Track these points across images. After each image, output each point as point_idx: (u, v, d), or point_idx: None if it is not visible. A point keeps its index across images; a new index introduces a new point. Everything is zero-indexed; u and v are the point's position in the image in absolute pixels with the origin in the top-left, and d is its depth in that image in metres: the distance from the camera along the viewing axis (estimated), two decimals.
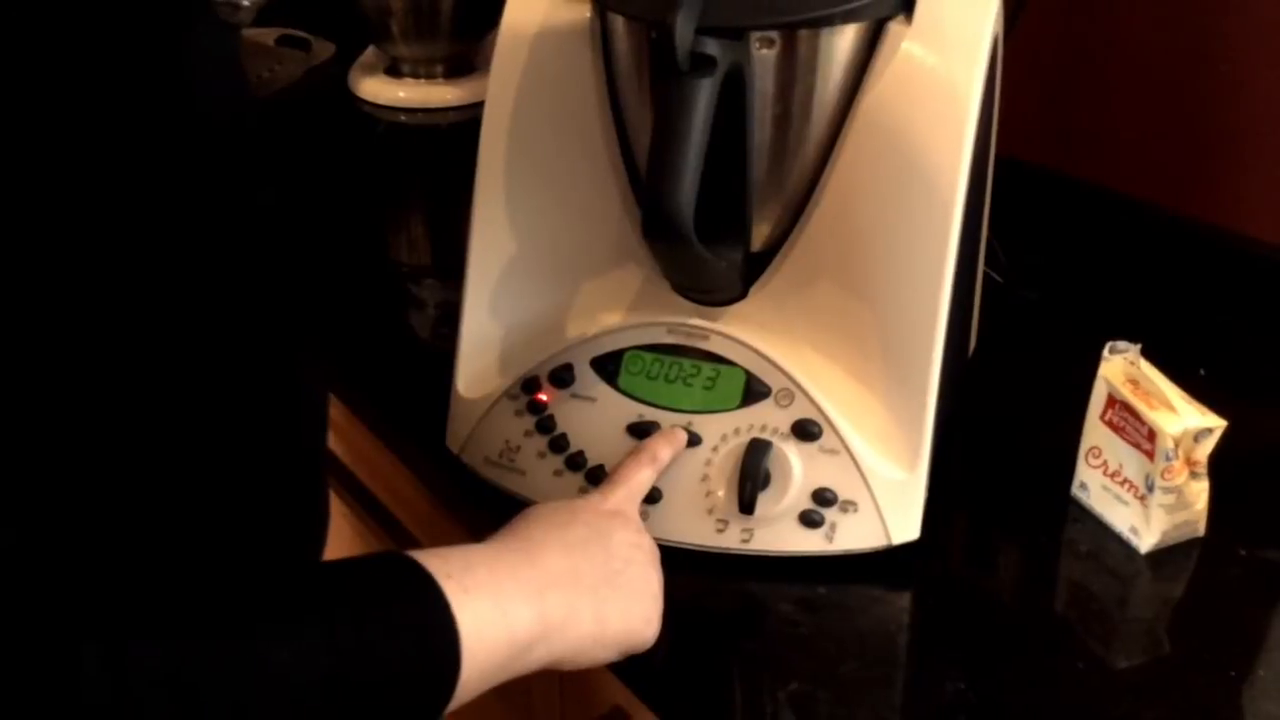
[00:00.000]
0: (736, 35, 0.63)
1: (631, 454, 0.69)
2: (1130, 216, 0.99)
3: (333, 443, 0.93)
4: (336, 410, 0.92)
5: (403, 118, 1.33)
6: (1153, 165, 0.98)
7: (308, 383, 0.63)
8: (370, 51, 1.39)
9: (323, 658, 0.47)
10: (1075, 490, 0.73)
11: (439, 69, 1.35)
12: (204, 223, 0.52)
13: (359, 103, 1.35)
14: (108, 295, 0.48)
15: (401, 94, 1.34)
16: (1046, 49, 1.00)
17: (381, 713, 0.49)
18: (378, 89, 1.35)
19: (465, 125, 1.27)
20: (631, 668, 0.63)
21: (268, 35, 1.41)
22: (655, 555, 0.64)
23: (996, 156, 0.81)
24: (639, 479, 0.68)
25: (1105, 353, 0.71)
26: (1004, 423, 0.82)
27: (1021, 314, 0.94)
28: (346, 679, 0.47)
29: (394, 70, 1.36)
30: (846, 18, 0.66)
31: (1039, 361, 0.88)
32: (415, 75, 1.35)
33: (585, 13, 0.72)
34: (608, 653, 0.60)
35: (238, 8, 0.54)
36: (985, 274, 0.93)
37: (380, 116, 1.33)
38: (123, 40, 0.48)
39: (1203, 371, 0.85)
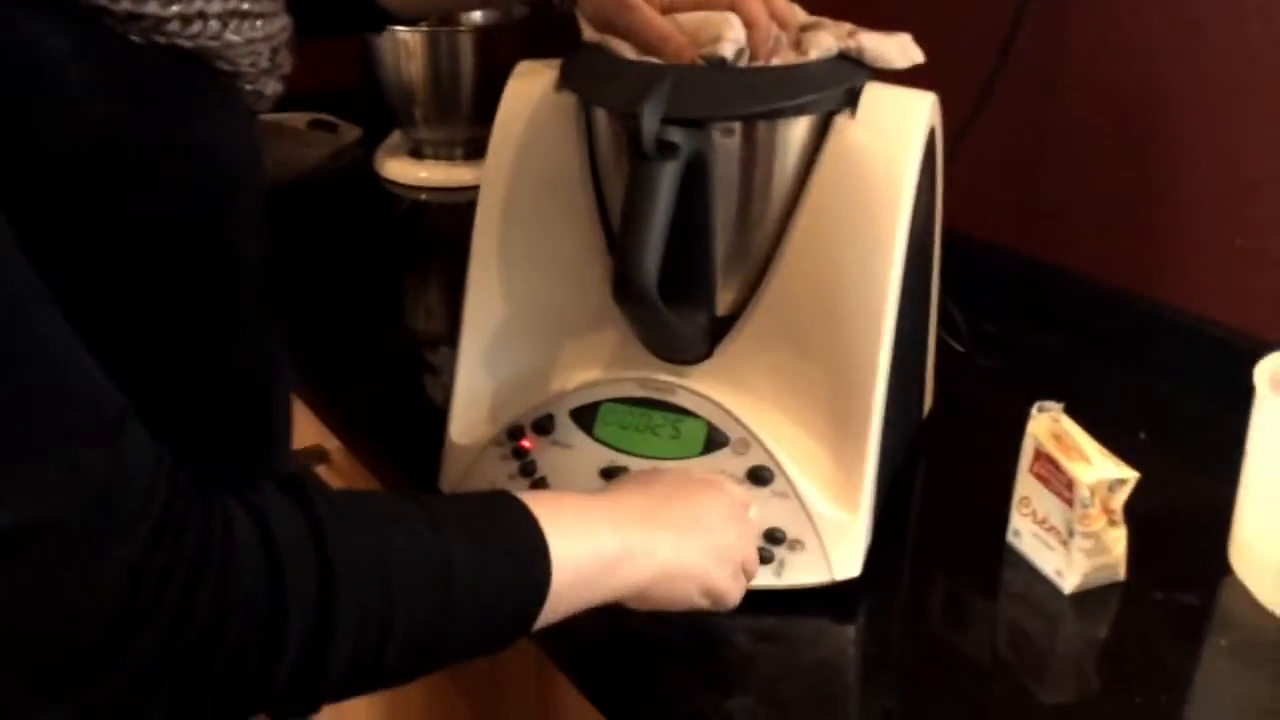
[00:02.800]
0: (699, 125, 0.71)
1: None
2: (1085, 292, 1.07)
3: (335, 484, 1.00)
4: (342, 457, 1.01)
5: (424, 196, 1.42)
6: (1105, 246, 1.06)
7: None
8: (396, 135, 1.49)
9: (440, 555, 0.56)
10: (1010, 537, 0.80)
11: (459, 151, 1.45)
12: (218, 295, 0.59)
13: (384, 182, 1.45)
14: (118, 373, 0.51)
15: (423, 174, 1.44)
16: (1009, 141, 1.08)
17: (486, 605, 0.58)
18: (401, 169, 1.45)
19: None
20: (602, 691, 0.71)
21: (299, 119, 1.51)
22: (745, 524, 0.72)
23: (968, 237, 0.88)
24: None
25: (1034, 411, 0.78)
26: (954, 476, 0.89)
27: (979, 380, 1.01)
28: (461, 575, 0.57)
29: (417, 152, 1.46)
30: (799, 111, 0.74)
31: (990, 423, 0.94)
32: (436, 157, 1.45)
33: (572, 102, 0.81)
34: (693, 590, 0.67)
35: (261, 96, 0.62)
36: (946, 342, 1.01)
37: (403, 195, 1.43)
38: (153, 132, 0.54)
39: (1143, 435, 0.92)
